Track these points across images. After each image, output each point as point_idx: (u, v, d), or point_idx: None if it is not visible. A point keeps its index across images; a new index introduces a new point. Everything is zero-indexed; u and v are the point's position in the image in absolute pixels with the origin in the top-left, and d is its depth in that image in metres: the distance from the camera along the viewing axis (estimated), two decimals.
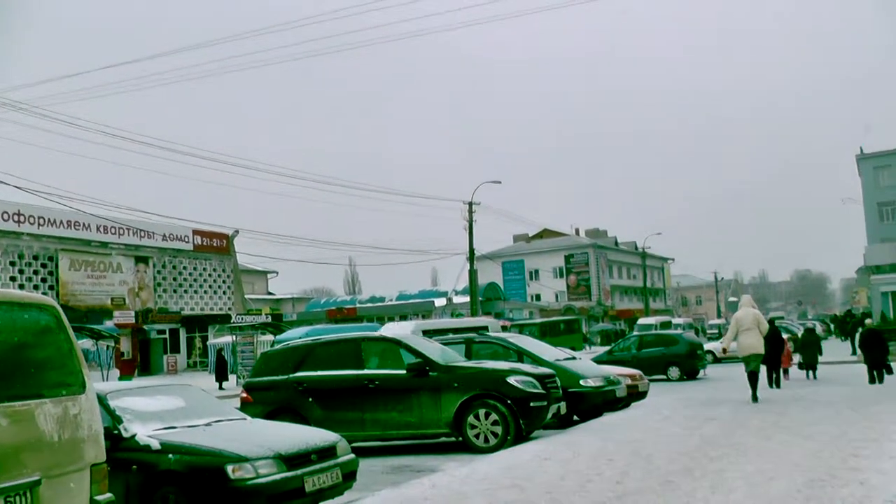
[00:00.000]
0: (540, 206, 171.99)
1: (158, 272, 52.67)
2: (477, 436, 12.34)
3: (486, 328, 28.67)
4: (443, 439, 13.10)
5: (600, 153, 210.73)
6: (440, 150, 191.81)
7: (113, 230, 48.65)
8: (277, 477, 7.75)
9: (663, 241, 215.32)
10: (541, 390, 12.57)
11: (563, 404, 13.45)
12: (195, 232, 54.68)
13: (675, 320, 64.06)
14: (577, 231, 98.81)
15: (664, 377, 27.29)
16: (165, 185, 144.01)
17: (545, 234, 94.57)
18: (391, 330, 29.30)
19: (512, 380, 12.46)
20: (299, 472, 7.91)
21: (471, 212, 46.03)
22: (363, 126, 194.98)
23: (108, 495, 6.11)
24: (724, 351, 19.36)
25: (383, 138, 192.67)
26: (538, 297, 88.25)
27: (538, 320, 55.59)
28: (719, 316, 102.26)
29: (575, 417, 14.61)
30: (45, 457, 5.58)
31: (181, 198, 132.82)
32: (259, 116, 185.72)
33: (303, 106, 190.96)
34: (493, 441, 12.23)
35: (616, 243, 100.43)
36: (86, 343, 37.42)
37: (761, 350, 16.26)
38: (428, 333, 25.33)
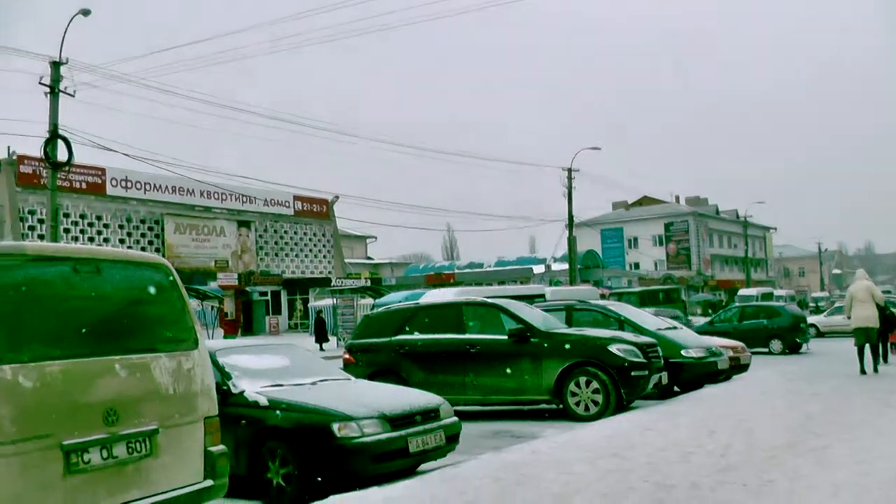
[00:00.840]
0: (639, 172, 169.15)
1: (260, 236, 53.76)
2: (577, 403, 12.26)
3: (542, 296, 28.37)
4: (542, 406, 13.06)
5: (701, 117, 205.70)
6: (539, 115, 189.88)
7: (216, 195, 49.79)
8: (382, 437, 7.83)
9: (766, 209, 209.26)
10: (642, 359, 12.42)
11: (664, 374, 13.26)
12: (296, 197, 55.59)
13: (777, 292, 62.55)
14: (676, 198, 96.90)
15: (766, 350, 26.63)
16: (268, 153, 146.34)
17: (644, 201, 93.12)
18: (433, 297, 29.94)
19: (613, 348, 12.33)
20: (403, 432, 7.98)
21: (570, 178, 45.53)
22: (462, 92, 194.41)
23: (221, 447, 6.27)
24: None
25: (482, 105, 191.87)
26: (637, 266, 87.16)
27: (637, 289, 54.84)
28: (822, 289, 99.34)
29: (675, 388, 14.38)
30: (161, 407, 5.77)
31: (283, 165, 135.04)
32: (361, 86, 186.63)
33: (405, 75, 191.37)
34: (593, 409, 12.13)
35: (717, 211, 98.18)
36: (192, 303, 38.35)
37: (875, 323, 15.78)
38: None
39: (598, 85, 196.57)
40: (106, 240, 43.81)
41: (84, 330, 5.47)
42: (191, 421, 6.01)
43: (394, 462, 7.99)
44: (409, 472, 8.52)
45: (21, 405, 4.94)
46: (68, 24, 24.37)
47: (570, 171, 45.67)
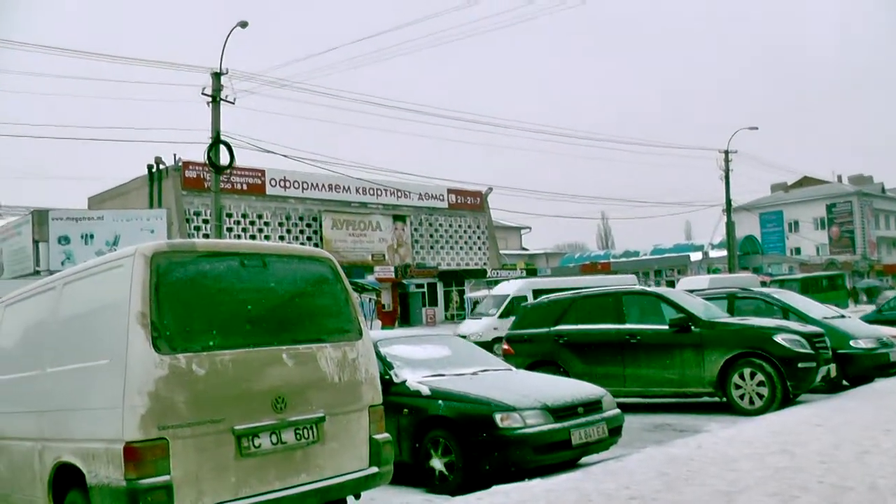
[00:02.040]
0: (799, 152, 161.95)
1: (415, 229, 54.49)
2: (741, 397, 11.83)
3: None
4: (704, 398, 12.69)
5: (861, 86, 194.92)
6: (692, 97, 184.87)
7: (371, 191, 50.79)
8: (545, 428, 7.77)
9: None
10: (809, 350, 11.86)
11: (832, 366, 12.63)
12: (450, 191, 56.05)
13: None
14: (839, 178, 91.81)
15: None
16: (422, 147, 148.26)
17: (805, 181, 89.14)
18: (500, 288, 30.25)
19: (779, 338, 11.83)
20: (566, 424, 7.88)
21: (727, 161, 44.14)
22: (614, 76, 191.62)
23: (386, 435, 6.40)
24: None
25: (634, 89, 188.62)
26: (798, 251, 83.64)
27: (799, 276, 52.70)
28: None
29: (844, 382, 13.70)
30: (327, 396, 5.94)
31: (437, 158, 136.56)
32: (512, 78, 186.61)
33: (554, 60, 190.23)
34: (758, 403, 11.67)
35: (883, 189, 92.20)
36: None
37: None
38: (538, 293, 24.89)
39: (747, 62, 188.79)
40: (267, 237, 45.34)
41: (252, 321, 5.69)
42: (356, 409, 6.16)
43: (556, 454, 7.90)
44: (571, 464, 8.42)
45: (195, 391, 5.21)
46: (227, 37, 25.56)
47: (727, 153, 44.32)
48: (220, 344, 5.40)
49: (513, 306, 26.96)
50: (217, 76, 26.27)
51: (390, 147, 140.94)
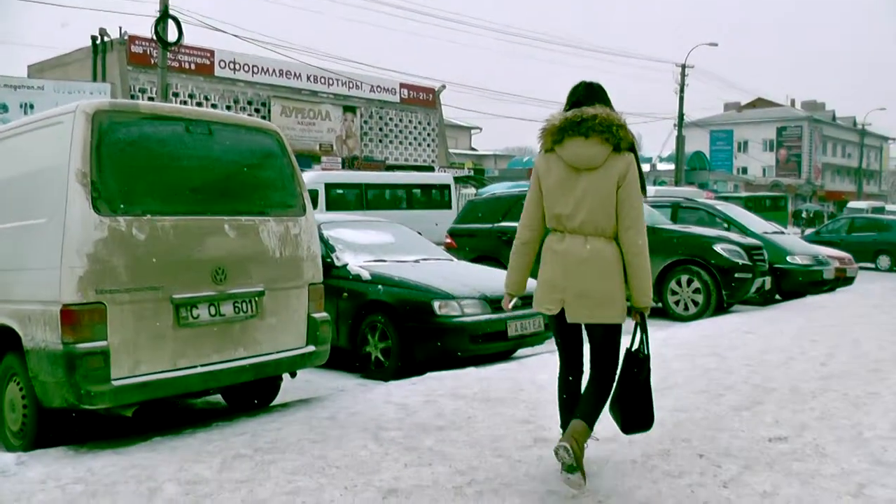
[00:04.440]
0: (755, 73, 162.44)
1: (365, 122, 53.81)
2: (676, 303, 12.06)
3: (448, 186, 28.68)
4: None
5: (827, 18, 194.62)
6: (661, 8, 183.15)
7: (323, 80, 49.83)
8: (482, 318, 7.82)
9: (886, 117, 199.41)
10: (747, 261, 12.09)
11: (768, 279, 12.90)
12: (402, 85, 55.23)
13: (889, 206, 60.21)
14: (792, 102, 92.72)
15: (872, 266, 25.68)
16: (375, 38, 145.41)
17: (758, 103, 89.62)
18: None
19: (718, 247, 12.02)
20: (503, 315, 7.91)
21: (683, 75, 44.11)
22: None
23: (324, 314, 6.37)
24: None
25: None
26: (745, 171, 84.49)
27: (743, 194, 53.45)
28: None
29: (777, 297, 14.00)
30: (268, 270, 5.86)
31: (390, 51, 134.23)
32: None
33: None
34: (692, 310, 11.93)
35: (833, 118, 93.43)
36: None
37: None
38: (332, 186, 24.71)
39: None
40: None
41: (195, 189, 5.56)
42: (296, 286, 6.09)
43: (492, 344, 7.98)
44: (506, 356, 8.53)
45: (134, 256, 5.09)
46: None
47: (683, 67, 44.19)
48: (161, 209, 5.26)
49: None
50: None
51: (344, 35, 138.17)
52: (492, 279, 8.52)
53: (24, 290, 5.26)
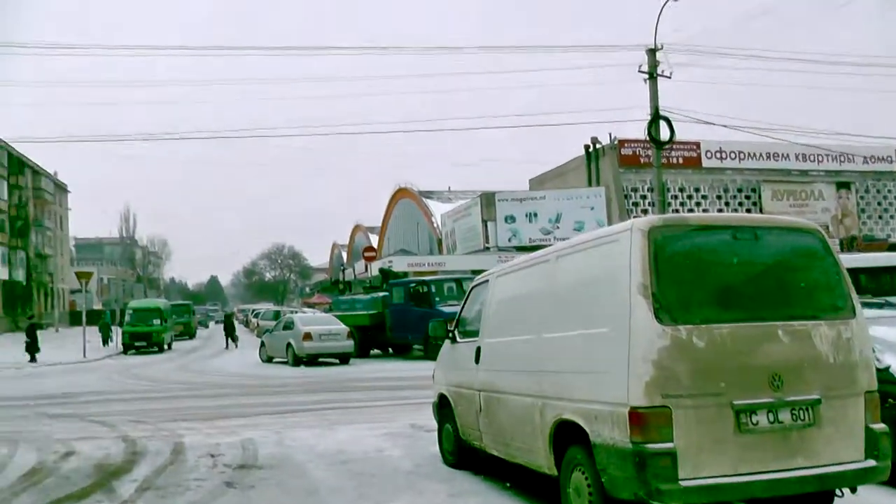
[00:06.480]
0: None
1: (861, 198, 50.64)
2: None
3: None
4: None
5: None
6: None
7: (812, 157, 48.18)
8: None
9: None
10: None
11: None
12: None
13: None
14: None
15: None
16: (864, 105, 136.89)
17: None
18: None
19: None
20: None
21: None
22: None
23: (882, 425, 5.93)
24: None
25: None
26: None
27: None
28: None
29: None
30: (822, 377, 5.67)
31: (882, 116, 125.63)
32: None
33: None
34: None
35: None
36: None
37: None
38: None
39: None
40: (705, 211, 44.92)
41: (747, 295, 5.63)
42: (851, 394, 5.80)
43: None
44: None
45: (695, 363, 5.29)
46: (660, 13, 26.51)
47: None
48: (717, 317, 5.41)
49: None
50: (652, 52, 26.99)
51: (826, 107, 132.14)
52: None
53: (588, 390, 5.75)
